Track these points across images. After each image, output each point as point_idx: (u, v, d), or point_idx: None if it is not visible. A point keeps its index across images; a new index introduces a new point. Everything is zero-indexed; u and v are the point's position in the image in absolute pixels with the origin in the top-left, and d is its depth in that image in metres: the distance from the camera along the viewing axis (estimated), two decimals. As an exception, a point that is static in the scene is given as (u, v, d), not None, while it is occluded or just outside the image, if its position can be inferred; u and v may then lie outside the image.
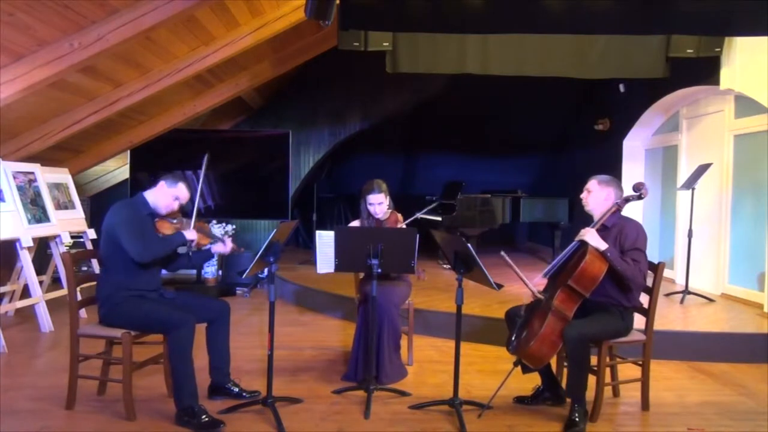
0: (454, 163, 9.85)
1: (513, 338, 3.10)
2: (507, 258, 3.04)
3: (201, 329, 3.15)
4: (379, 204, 3.78)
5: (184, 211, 3.39)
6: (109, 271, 3.10)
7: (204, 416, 2.89)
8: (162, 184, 3.21)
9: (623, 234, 3.07)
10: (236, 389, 3.30)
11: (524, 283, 3.12)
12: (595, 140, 7.90)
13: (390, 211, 3.88)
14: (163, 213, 3.23)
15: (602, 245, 2.98)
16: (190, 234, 3.19)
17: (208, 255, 3.43)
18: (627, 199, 3.15)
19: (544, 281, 3.22)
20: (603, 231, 3.10)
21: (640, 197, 3.17)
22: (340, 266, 3.40)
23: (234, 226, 6.89)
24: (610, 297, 3.08)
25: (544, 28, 4.31)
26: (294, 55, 6.43)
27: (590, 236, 3.02)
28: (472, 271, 3.07)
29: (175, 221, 3.27)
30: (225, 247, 3.35)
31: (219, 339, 3.27)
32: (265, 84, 6.80)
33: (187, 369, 2.94)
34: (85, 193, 7.44)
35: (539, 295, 3.11)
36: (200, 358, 3.29)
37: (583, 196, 3.27)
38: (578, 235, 3.09)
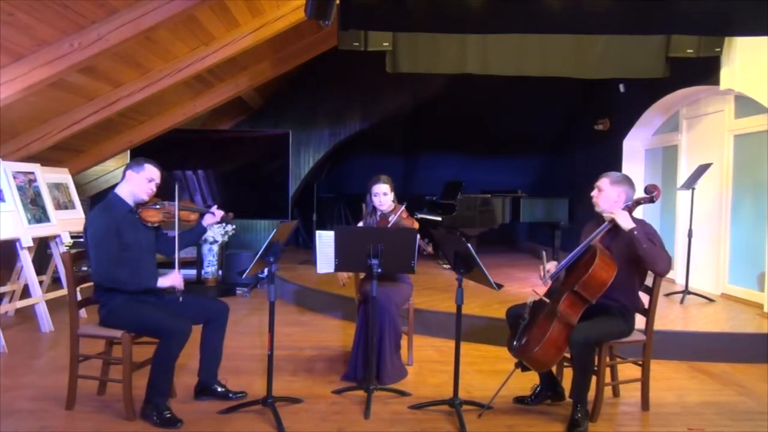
0: (454, 163, 9.85)
1: (515, 341, 3.07)
2: (544, 257, 3.17)
3: (197, 329, 3.16)
4: (383, 194, 3.80)
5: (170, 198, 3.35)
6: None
7: (166, 412, 2.93)
8: (130, 174, 3.13)
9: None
10: (221, 389, 3.29)
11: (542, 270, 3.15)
12: (595, 140, 7.90)
13: (394, 204, 3.90)
14: (145, 199, 3.15)
15: (630, 224, 2.93)
16: (165, 282, 3.08)
17: (202, 230, 3.41)
18: (638, 202, 3.09)
19: (549, 283, 3.19)
20: (614, 231, 3.05)
21: (651, 200, 3.10)
22: (340, 266, 3.39)
23: (234, 226, 6.89)
24: (611, 299, 3.05)
25: (544, 28, 4.31)
26: (294, 55, 6.43)
27: (621, 216, 2.96)
28: (472, 271, 3.06)
29: (158, 206, 3.22)
30: (215, 217, 3.35)
31: (213, 340, 3.27)
32: (265, 84, 6.81)
33: (166, 374, 2.98)
34: (85, 193, 7.44)
35: (545, 299, 3.09)
36: (196, 359, 3.30)
37: (593, 194, 3.17)
38: (607, 214, 3.03)
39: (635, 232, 2.91)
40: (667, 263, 2.95)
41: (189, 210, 3.35)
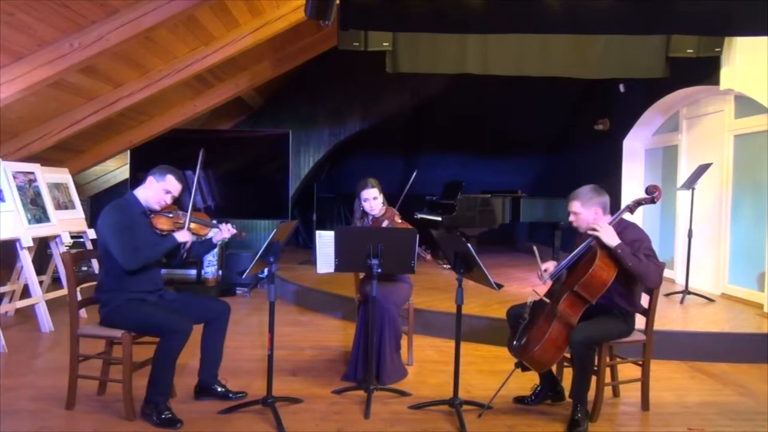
0: (454, 163, 9.86)
1: (515, 341, 3.07)
2: (537, 251, 3.17)
3: (198, 329, 3.16)
4: (373, 199, 3.78)
5: (180, 203, 3.35)
6: (108, 273, 3.08)
7: (166, 412, 2.93)
8: (151, 180, 3.15)
9: (626, 241, 2.96)
10: (221, 389, 3.29)
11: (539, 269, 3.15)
12: (595, 140, 7.90)
13: (385, 207, 3.88)
14: (156, 208, 3.17)
15: (615, 241, 2.91)
16: (182, 236, 3.13)
17: (211, 245, 3.39)
18: (639, 202, 3.07)
19: (549, 283, 3.19)
20: None
21: (653, 201, 3.08)
22: (340, 266, 3.39)
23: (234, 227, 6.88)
24: (612, 300, 3.05)
25: (545, 28, 4.32)
26: (294, 55, 6.43)
27: (605, 233, 2.93)
28: (472, 271, 3.06)
29: (171, 215, 3.23)
30: (227, 233, 3.32)
31: (214, 340, 3.27)
32: (265, 84, 6.81)
33: (167, 372, 2.98)
34: (85, 193, 7.44)
35: (545, 300, 3.09)
36: (196, 359, 3.30)
37: (571, 219, 3.14)
38: (591, 230, 2.99)
39: (619, 251, 2.89)
40: (656, 277, 2.94)
41: (200, 224, 3.32)
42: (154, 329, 3.00)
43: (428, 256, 3.68)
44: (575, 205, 3.10)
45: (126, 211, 3.10)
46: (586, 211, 3.07)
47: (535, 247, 3.29)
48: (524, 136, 9.46)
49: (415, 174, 3.70)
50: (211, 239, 3.36)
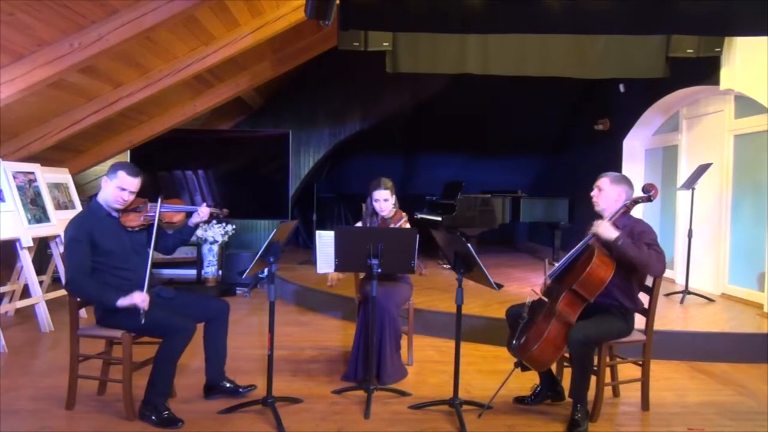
0: (454, 163, 9.85)
1: (514, 340, 3.07)
2: (547, 264, 3.23)
3: (200, 328, 3.16)
4: (384, 200, 3.80)
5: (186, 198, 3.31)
6: (94, 274, 3.02)
7: (166, 412, 2.93)
8: (105, 180, 3.09)
9: (634, 234, 3.00)
10: (230, 385, 3.30)
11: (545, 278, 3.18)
12: (595, 140, 7.90)
13: (395, 209, 3.89)
14: (118, 207, 3.10)
15: (614, 234, 2.92)
16: (125, 301, 2.92)
17: (190, 229, 3.36)
18: (636, 201, 3.09)
19: (548, 283, 3.19)
20: None
21: (649, 199, 3.10)
22: (340, 266, 3.39)
23: (234, 226, 6.90)
24: (611, 298, 3.06)
25: (545, 28, 4.32)
26: (294, 55, 6.43)
27: (603, 228, 2.96)
28: (472, 271, 3.06)
29: (139, 209, 3.18)
30: (201, 216, 3.29)
31: (217, 338, 3.27)
32: (265, 84, 6.81)
33: (168, 372, 2.97)
34: (85, 193, 7.43)
35: (544, 299, 3.10)
36: (201, 359, 3.30)
37: (593, 194, 3.18)
38: (591, 229, 3.02)
39: (619, 242, 2.90)
40: (659, 264, 2.95)
41: (172, 211, 3.27)
42: (155, 330, 2.99)
43: (425, 271, 3.68)
44: (603, 181, 3.15)
45: (90, 218, 3.06)
46: (612, 190, 3.11)
47: (546, 260, 3.36)
48: (524, 136, 9.45)
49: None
50: (188, 224, 3.34)
